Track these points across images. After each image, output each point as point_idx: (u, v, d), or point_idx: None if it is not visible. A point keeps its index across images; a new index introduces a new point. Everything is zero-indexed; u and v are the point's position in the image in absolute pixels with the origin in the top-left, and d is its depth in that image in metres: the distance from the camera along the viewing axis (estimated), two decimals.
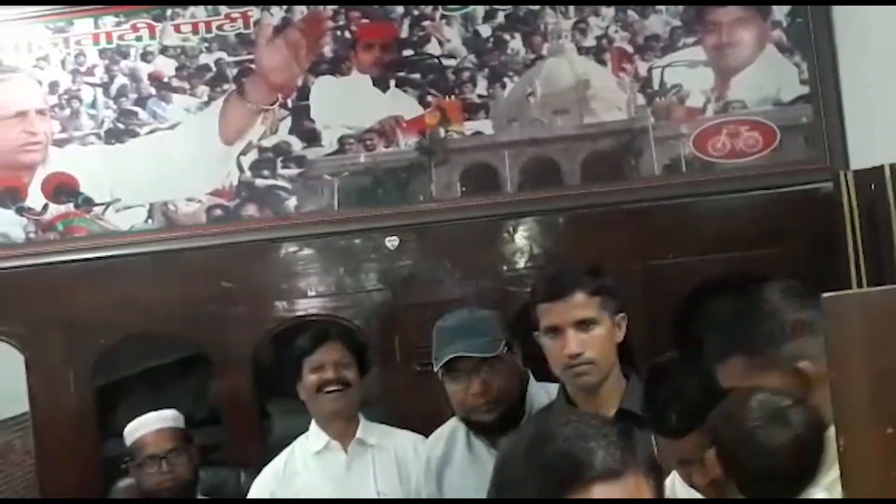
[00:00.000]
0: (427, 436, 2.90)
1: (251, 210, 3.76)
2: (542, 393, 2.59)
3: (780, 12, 3.58)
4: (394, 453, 2.96)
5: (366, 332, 3.71)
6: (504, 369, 2.56)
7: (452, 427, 2.72)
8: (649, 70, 3.63)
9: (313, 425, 2.99)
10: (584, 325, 2.24)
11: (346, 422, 2.96)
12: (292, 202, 3.76)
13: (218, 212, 3.77)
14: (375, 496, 2.88)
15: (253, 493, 2.98)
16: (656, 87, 3.62)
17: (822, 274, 2.98)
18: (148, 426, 3.14)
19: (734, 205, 3.57)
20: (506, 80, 3.69)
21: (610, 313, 2.29)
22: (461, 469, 2.65)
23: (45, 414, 3.76)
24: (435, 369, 2.62)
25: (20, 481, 4.18)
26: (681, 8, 3.61)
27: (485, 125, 3.69)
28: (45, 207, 3.78)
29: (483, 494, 2.42)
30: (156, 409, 3.25)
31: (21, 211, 3.78)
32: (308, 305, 3.75)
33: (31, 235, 3.78)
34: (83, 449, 3.73)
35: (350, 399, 2.94)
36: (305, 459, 2.96)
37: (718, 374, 1.82)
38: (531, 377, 2.65)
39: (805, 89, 3.56)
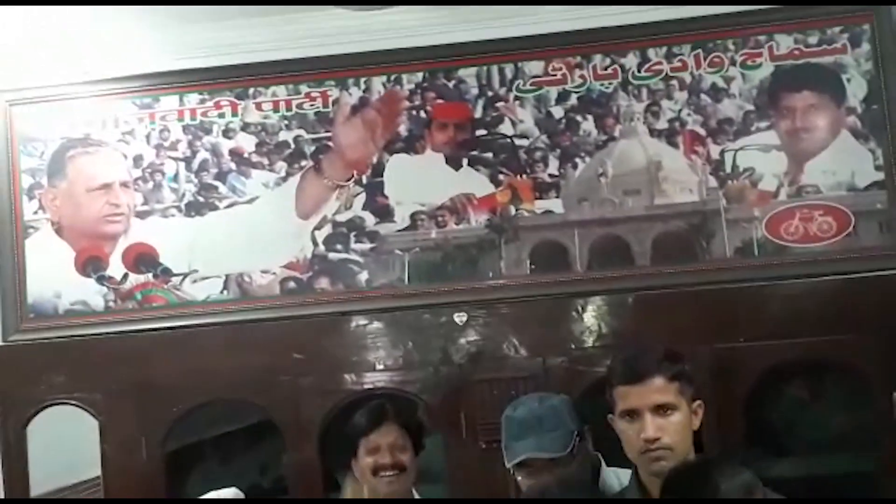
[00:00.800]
0: None
1: (323, 283, 3.83)
2: (613, 478, 2.57)
3: (854, 98, 3.59)
4: None
5: (432, 407, 3.74)
6: (576, 462, 2.55)
7: None
8: (721, 153, 3.65)
9: None
10: (662, 409, 2.21)
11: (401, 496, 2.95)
12: (364, 276, 3.82)
13: (291, 284, 3.84)
14: None
15: None
16: (728, 169, 3.63)
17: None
18: None
19: (806, 289, 3.54)
20: (577, 160, 3.73)
21: (687, 400, 2.26)
22: None
23: (116, 478, 3.82)
24: (507, 465, 2.61)
25: None
26: (754, 92, 3.63)
27: (555, 204, 3.73)
28: (125, 277, 3.89)
29: None
30: (224, 478, 3.30)
31: (102, 280, 3.89)
32: (376, 379, 3.78)
33: (111, 304, 3.88)
34: None
35: (405, 483, 2.93)
36: None
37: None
38: (602, 462, 2.64)
39: (880, 175, 3.55)
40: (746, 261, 3.59)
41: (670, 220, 3.65)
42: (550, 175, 3.74)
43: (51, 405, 3.84)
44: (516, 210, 3.75)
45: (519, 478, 2.61)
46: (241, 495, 3.21)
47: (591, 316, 3.66)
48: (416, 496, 2.98)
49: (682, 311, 3.56)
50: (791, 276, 3.55)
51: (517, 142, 3.76)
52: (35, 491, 3.85)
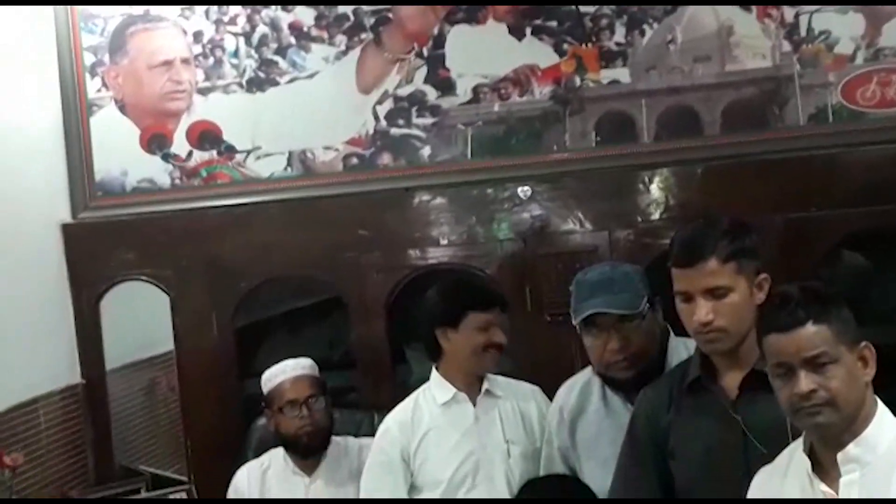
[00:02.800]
0: (557, 386, 2.88)
1: (386, 159, 3.81)
2: (681, 348, 2.53)
3: None
4: (516, 404, 2.95)
5: (496, 282, 3.73)
6: (644, 326, 2.51)
7: (587, 378, 2.69)
8: (796, 16, 3.49)
9: (437, 376, 2.97)
10: (715, 293, 2.14)
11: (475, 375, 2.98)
12: (426, 151, 3.78)
13: (354, 160, 3.83)
14: (505, 445, 2.89)
15: (377, 444, 3.01)
16: (803, 33, 3.49)
17: None
18: (287, 373, 3.21)
19: (883, 156, 3.42)
20: (645, 27, 3.61)
21: (748, 276, 2.17)
22: (596, 421, 2.63)
23: (189, 353, 3.92)
24: (574, 322, 2.58)
25: (164, 417, 4.39)
26: None
27: (622, 73, 3.63)
28: (190, 154, 3.91)
29: (617, 447, 2.45)
30: (293, 352, 3.31)
31: (167, 157, 3.92)
32: (440, 254, 3.79)
33: (177, 181, 3.92)
34: (225, 386, 3.88)
35: (498, 361, 2.95)
36: (431, 411, 2.95)
37: None
38: (671, 332, 2.61)
39: None
40: (820, 128, 3.47)
41: (742, 88, 3.53)
42: (617, 43, 3.63)
43: (122, 281, 3.93)
44: (581, 80, 3.66)
45: (586, 339, 2.58)
46: (315, 366, 3.26)
47: (658, 188, 3.59)
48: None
49: (753, 182, 3.47)
50: (867, 142, 3.43)
51: (582, 9, 3.64)
52: (110, 366, 3.97)
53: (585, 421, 2.66)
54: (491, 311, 2.89)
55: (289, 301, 4.23)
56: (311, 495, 3.17)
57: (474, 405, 2.92)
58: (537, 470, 2.86)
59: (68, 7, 3.91)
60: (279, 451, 3.23)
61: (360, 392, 3.84)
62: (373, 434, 3.20)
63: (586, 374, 2.71)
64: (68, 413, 3.72)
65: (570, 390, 2.73)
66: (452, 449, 2.89)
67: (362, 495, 3.00)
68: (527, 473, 2.85)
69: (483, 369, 2.92)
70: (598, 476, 2.55)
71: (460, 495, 2.86)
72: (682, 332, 2.55)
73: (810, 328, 1.84)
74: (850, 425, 1.85)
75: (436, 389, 2.97)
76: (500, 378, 3.02)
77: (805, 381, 1.83)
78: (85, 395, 3.83)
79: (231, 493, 3.23)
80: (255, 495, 3.19)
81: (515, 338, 3.69)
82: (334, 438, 3.24)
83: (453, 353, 2.92)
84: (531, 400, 2.96)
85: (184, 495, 3.73)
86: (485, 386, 2.93)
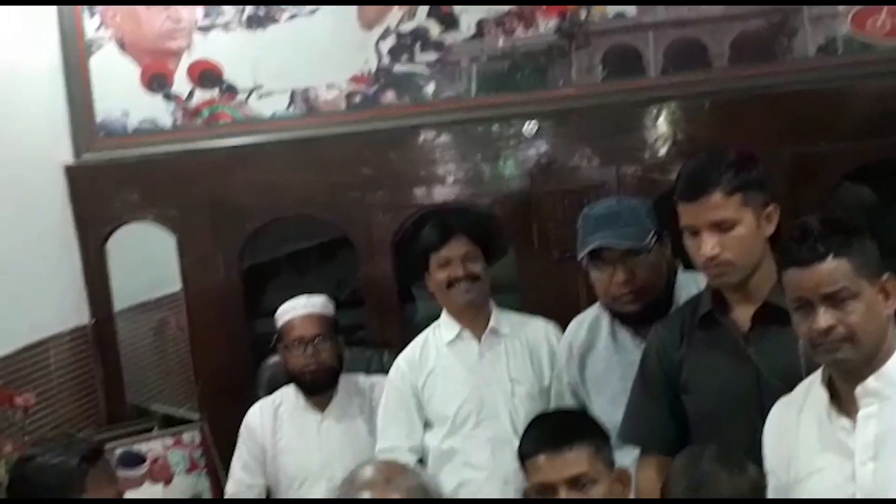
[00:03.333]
0: (564, 323, 2.90)
1: (389, 97, 3.77)
2: (690, 282, 2.54)
3: None
4: (525, 341, 2.96)
5: (503, 220, 3.73)
6: (651, 260, 2.51)
7: (596, 314, 2.70)
8: None
9: (444, 315, 3.02)
10: (720, 226, 2.14)
11: (477, 311, 2.97)
12: (430, 88, 3.74)
13: (357, 98, 3.79)
14: (509, 382, 2.91)
15: (389, 380, 3.05)
16: None
17: None
18: (297, 310, 3.22)
19: (893, 87, 3.37)
20: None
21: (755, 208, 2.16)
22: (605, 357, 2.65)
23: (196, 293, 3.93)
24: (579, 256, 2.58)
25: (174, 356, 4.41)
26: None
27: (628, 6, 3.57)
28: (191, 94, 3.87)
29: (626, 383, 2.47)
30: (301, 292, 3.32)
31: (168, 97, 3.88)
32: (446, 192, 3.77)
33: (179, 122, 3.89)
34: (234, 326, 3.89)
35: (479, 291, 2.94)
36: (438, 349, 2.99)
37: None
38: (680, 266, 2.61)
39: None
40: (830, 59, 3.42)
41: (749, 20, 3.47)
42: None
43: (127, 222, 3.92)
44: (587, 14, 3.60)
45: (592, 273, 2.58)
46: (330, 305, 3.26)
47: (665, 122, 3.56)
48: (494, 308, 3.00)
49: (761, 115, 3.44)
50: (877, 73, 3.38)
51: None
52: (119, 306, 3.98)
53: (594, 357, 2.67)
54: (446, 247, 2.90)
55: (296, 242, 4.24)
56: (323, 431, 3.21)
57: (479, 342, 2.94)
58: (543, 408, 2.87)
59: None
60: (291, 389, 3.26)
61: (369, 330, 3.85)
62: (382, 371, 3.23)
63: (595, 310, 2.72)
64: (78, 354, 3.74)
65: (579, 326, 2.74)
66: (457, 386, 2.93)
67: (379, 430, 3.03)
68: (532, 413, 2.84)
69: (456, 304, 2.94)
70: (608, 411, 2.57)
71: (465, 432, 2.90)
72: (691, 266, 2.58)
73: (830, 263, 1.80)
74: (871, 359, 1.83)
75: (443, 328, 3.01)
76: (512, 315, 3.03)
77: (824, 317, 1.80)
78: (94, 336, 3.84)
79: (243, 431, 3.26)
80: (268, 432, 3.23)
81: (523, 276, 3.74)
82: (346, 376, 3.27)
83: (437, 295, 2.96)
84: (542, 337, 2.97)
85: (196, 433, 3.76)
86: (490, 323, 2.95)
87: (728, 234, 2.14)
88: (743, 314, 2.20)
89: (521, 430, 2.83)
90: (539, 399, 2.89)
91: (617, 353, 2.63)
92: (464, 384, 2.93)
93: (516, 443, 2.80)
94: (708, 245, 2.14)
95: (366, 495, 1.88)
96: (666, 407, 2.32)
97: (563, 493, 1.93)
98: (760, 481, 1.81)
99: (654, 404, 2.34)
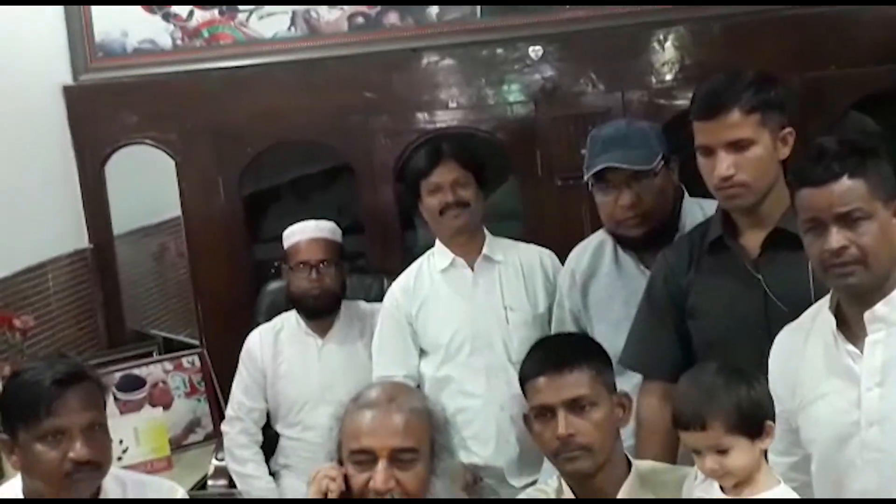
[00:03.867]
0: (567, 251, 2.87)
1: (392, 18, 3.70)
2: (696, 209, 2.50)
3: None
4: (519, 267, 2.93)
5: (506, 146, 3.68)
6: (657, 184, 2.47)
7: (600, 240, 2.66)
8: None
9: (438, 243, 2.98)
10: (737, 145, 2.09)
11: (470, 238, 2.93)
12: (434, 10, 3.66)
13: (360, 20, 3.72)
14: (503, 310, 2.88)
15: (384, 308, 3.03)
16: None
17: None
18: (305, 233, 3.19)
19: None
20: None
21: (771, 129, 2.11)
22: (608, 283, 2.61)
23: (196, 218, 3.89)
24: (585, 178, 2.54)
25: (173, 281, 4.41)
26: None
27: None
28: (191, 14, 3.79)
29: (629, 309, 2.45)
30: (302, 218, 3.28)
31: (167, 17, 3.81)
32: (449, 117, 3.71)
33: (178, 42, 3.82)
34: (233, 252, 3.87)
35: (470, 217, 2.88)
36: (432, 276, 2.96)
37: None
38: (685, 193, 2.57)
39: None
40: None
41: None
42: None
43: (126, 145, 3.87)
44: None
45: (597, 196, 2.54)
46: (337, 231, 3.24)
47: (672, 47, 3.49)
48: (488, 235, 2.96)
49: (771, 39, 3.38)
50: None
51: None
52: (118, 230, 3.95)
53: (597, 283, 2.64)
54: (435, 173, 2.85)
55: (297, 168, 4.20)
56: (323, 356, 3.20)
57: (473, 270, 2.92)
58: (538, 336, 2.82)
59: None
60: (291, 314, 3.25)
61: (369, 257, 3.83)
62: (382, 298, 3.21)
63: (599, 236, 2.68)
64: (77, 277, 3.72)
65: (582, 252, 2.70)
66: (450, 314, 2.91)
67: (374, 357, 3.02)
68: (526, 340, 2.82)
69: (447, 231, 2.90)
70: (610, 338, 2.52)
71: (459, 360, 2.89)
72: (697, 193, 2.54)
73: (845, 182, 1.76)
74: (881, 284, 1.80)
75: (437, 255, 2.98)
76: (506, 241, 3.00)
77: (836, 237, 1.76)
78: (93, 260, 3.82)
79: (244, 355, 3.26)
80: (268, 357, 3.22)
81: (525, 202, 3.70)
82: (347, 302, 3.26)
83: (429, 222, 2.92)
84: (537, 263, 2.94)
85: (195, 358, 3.77)
86: (483, 251, 2.92)
87: (744, 154, 2.10)
88: (753, 240, 2.17)
89: (515, 357, 2.84)
90: (533, 326, 2.87)
91: (620, 279, 2.59)
92: (457, 312, 2.91)
93: (511, 370, 2.83)
94: (723, 165, 2.10)
95: (369, 415, 1.87)
96: (671, 333, 2.29)
97: (563, 415, 1.90)
98: (767, 398, 1.79)
99: (658, 330, 2.32)
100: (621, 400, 2.00)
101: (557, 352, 2.00)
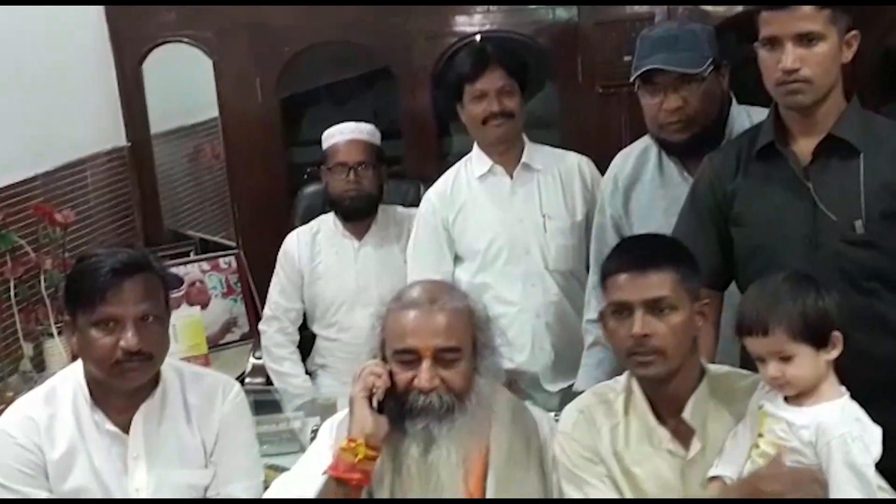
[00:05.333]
0: (605, 160, 2.83)
1: None
2: (744, 117, 2.45)
3: None
4: (558, 175, 2.89)
5: (547, 51, 3.62)
6: (705, 88, 2.41)
7: (644, 146, 2.62)
8: None
9: (476, 149, 2.94)
10: (805, 39, 2.03)
11: (511, 146, 2.89)
12: None
13: None
14: (541, 218, 2.86)
15: (420, 213, 3.01)
16: None
17: None
18: (344, 134, 3.17)
19: None
20: None
21: (840, 29, 2.06)
22: (650, 189, 2.57)
23: (233, 119, 3.88)
24: (632, 79, 2.48)
25: (209, 184, 4.41)
26: None
27: None
28: None
29: (670, 217, 2.41)
30: (338, 122, 3.24)
31: None
32: (489, 21, 3.65)
33: None
34: (270, 154, 3.86)
35: (513, 127, 2.84)
36: (469, 183, 2.93)
37: None
38: (734, 100, 2.52)
39: None
40: None
41: None
42: None
43: (164, 43, 3.84)
44: None
45: (643, 98, 2.48)
46: (377, 133, 3.22)
47: None
48: (527, 142, 2.93)
49: None
50: None
51: None
52: (155, 129, 3.95)
53: (640, 190, 2.61)
54: (482, 80, 2.78)
55: (334, 72, 4.15)
56: (360, 258, 3.21)
57: (511, 178, 2.89)
58: (575, 244, 2.86)
59: None
60: (329, 216, 3.25)
61: (406, 162, 3.81)
62: (418, 204, 3.20)
63: (643, 142, 2.64)
64: (115, 175, 3.73)
65: (625, 158, 2.67)
66: (487, 221, 2.89)
67: (409, 261, 3.02)
68: (563, 248, 2.85)
69: (489, 141, 2.87)
70: None
71: (497, 267, 2.87)
72: (749, 100, 2.50)
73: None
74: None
75: (474, 162, 2.95)
76: (545, 148, 2.96)
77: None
78: (131, 158, 3.82)
79: (281, 256, 3.27)
80: (305, 258, 3.23)
81: (564, 110, 3.66)
82: (383, 206, 3.25)
83: (469, 129, 2.88)
84: (575, 172, 2.91)
85: (232, 260, 3.79)
86: (523, 158, 2.89)
87: (811, 49, 2.04)
88: (805, 146, 2.13)
89: (552, 265, 2.85)
90: (571, 234, 2.86)
91: (663, 186, 2.56)
92: (495, 220, 2.89)
93: (548, 277, 2.86)
94: (789, 58, 2.04)
95: (412, 315, 1.87)
96: (714, 238, 2.26)
97: (640, 315, 1.84)
98: (835, 308, 1.76)
99: (700, 235, 2.28)
100: (703, 308, 1.96)
101: (643, 251, 1.94)
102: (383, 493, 1.84)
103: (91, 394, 2.03)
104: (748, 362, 1.95)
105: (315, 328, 3.30)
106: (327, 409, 2.84)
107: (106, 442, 2.02)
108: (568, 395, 2.68)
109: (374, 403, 1.82)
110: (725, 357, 2.25)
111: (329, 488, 1.79)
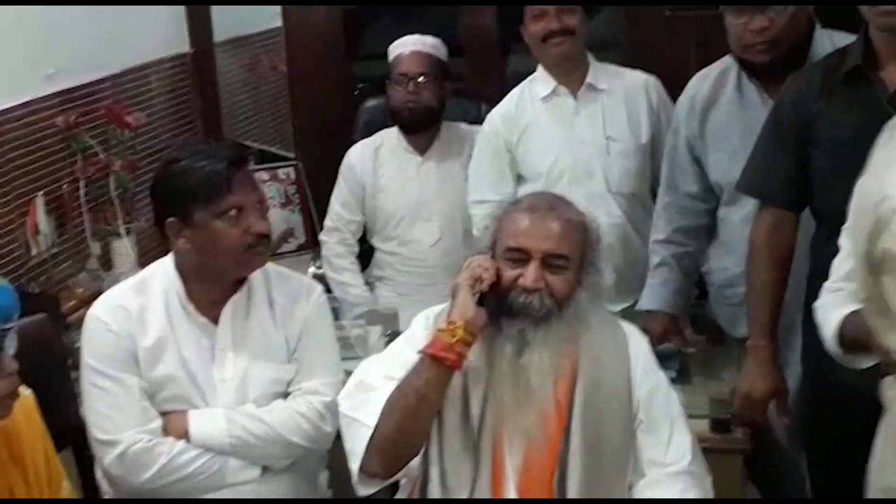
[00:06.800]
0: (672, 84, 2.82)
1: None
2: (826, 41, 2.42)
3: None
4: (623, 96, 2.87)
5: None
6: (791, 10, 2.39)
7: (723, 67, 2.59)
8: None
9: (540, 69, 2.93)
10: None
11: (574, 66, 2.87)
12: None
13: None
14: (604, 140, 2.86)
15: (482, 133, 3.01)
16: None
17: None
18: (407, 46, 3.17)
19: None
20: None
21: None
22: (728, 111, 2.56)
23: (296, 30, 3.87)
24: None
25: (266, 95, 4.40)
26: None
27: None
28: None
29: (747, 140, 2.41)
30: (400, 36, 3.24)
31: None
32: None
33: None
34: (332, 66, 3.87)
35: (574, 45, 2.82)
36: (533, 104, 2.92)
37: None
38: (818, 24, 2.49)
39: None
40: None
41: None
42: None
43: None
44: None
45: (727, 18, 2.44)
46: (441, 47, 3.20)
47: None
48: (592, 62, 2.91)
49: None
50: None
51: None
52: (218, 37, 3.94)
53: (717, 111, 2.59)
54: None
55: None
56: (423, 173, 3.23)
57: (575, 99, 2.88)
58: (639, 166, 2.86)
59: None
60: (393, 131, 3.26)
61: (467, 81, 3.80)
62: (479, 123, 3.20)
63: (722, 63, 2.62)
64: (178, 82, 3.73)
65: (703, 79, 2.64)
66: (550, 143, 2.89)
67: (470, 178, 3.03)
68: (627, 170, 2.85)
69: (550, 58, 2.85)
70: (725, 168, 2.53)
71: (559, 189, 2.82)
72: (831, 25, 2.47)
73: None
74: None
75: (538, 83, 2.93)
76: (610, 68, 2.94)
77: None
78: (193, 65, 3.81)
79: (344, 169, 3.29)
80: (368, 172, 3.25)
81: (630, 31, 3.62)
82: (447, 122, 3.25)
83: (531, 48, 2.87)
84: (642, 92, 2.89)
85: (291, 171, 3.80)
86: (587, 79, 2.87)
87: None
88: (893, 73, 2.11)
89: (615, 187, 2.85)
90: (635, 156, 2.86)
91: (741, 108, 2.54)
92: (558, 141, 2.88)
93: (610, 200, 2.86)
94: None
95: (529, 218, 1.91)
96: (792, 159, 2.25)
97: None
98: None
99: (779, 155, 2.27)
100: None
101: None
102: (478, 389, 1.88)
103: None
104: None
105: (375, 241, 3.33)
106: (389, 319, 2.91)
107: (195, 332, 2.08)
108: (629, 314, 2.72)
109: (477, 295, 1.85)
110: (797, 275, 2.29)
111: (423, 365, 1.83)
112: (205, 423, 2.05)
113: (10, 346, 1.64)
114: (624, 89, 2.89)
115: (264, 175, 3.77)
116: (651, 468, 1.90)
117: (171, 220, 2.04)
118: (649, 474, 1.90)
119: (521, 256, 1.89)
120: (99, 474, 2.11)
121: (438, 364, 1.82)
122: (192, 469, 2.03)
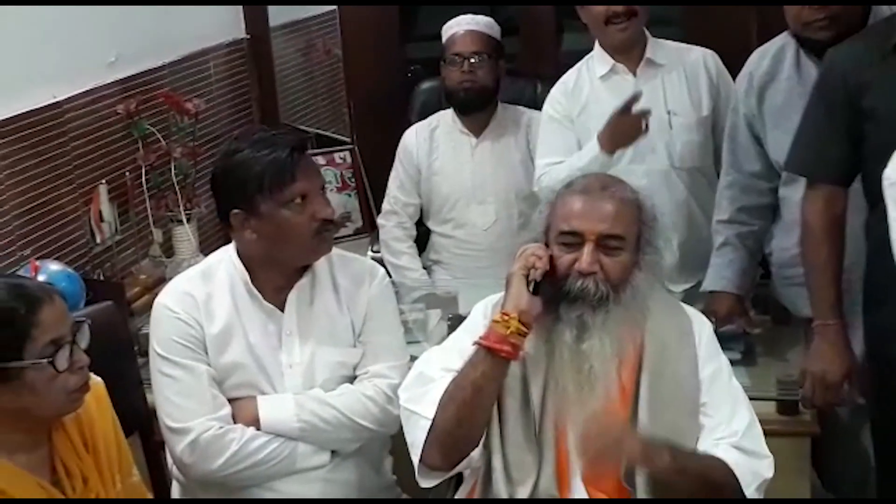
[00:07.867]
0: (731, 62, 2.78)
1: None
2: (885, 11, 2.36)
3: None
4: (683, 71, 2.84)
5: None
6: None
7: (782, 44, 2.55)
8: None
9: (597, 48, 2.90)
10: None
11: (634, 44, 2.85)
12: None
13: None
14: (666, 116, 2.83)
15: (545, 110, 2.98)
16: None
17: None
18: (461, 25, 3.17)
19: None
20: None
21: None
22: (786, 88, 2.51)
23: (352, 15, 3.88)
24: None
25: (320, 79, 4.43)
26: None
27: None
28: None
29: None
30: (452, 14, 3.23)
31: None
32: None
33: None
34: (386, 49, 3.87)
35: (636, 28, 2.80)
36: (592, 82, 2.90)
37: None
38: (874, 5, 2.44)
39: None
40: None
41: None
42: None
43: None
44: None
45: None
46: (495, 27, 3.19)
47: None
48: (650, 38, 2.87)
49: None
50: None
51: None
52: (273, 22, 3.94)
53: (775, 88, 2.56)
54: None
55: None
56: (477, 154, 3.23)
57: (635, 76, 2.86)
58: (702, 140, 2.83)
59: None
60: (448, 112, 3.26)
61: (522, 60, 3.78)
62: (534, 102, 3.19)
63: (780, 40, 2.58)
64: (235, 67, 3.75)
65: (762, 56, 2.61)
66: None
67: (538, 150, 2.96)
68: (689, 144, 2.83)
69: (613, 44, 2.83)
70: (783, 146, 2.48)
71: (621, 165, 2.77)
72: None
73: None
74: None
75: (596, 62, 2.91)
76: (668, 44, 2.91)
77: None
78: (250, 51, 3.83)
79: (400, 151, 3.30)
80: (423, 153, 3.26)
81: (688, 9, 3.57)
82: (503, 104, 3.25)
83: (591, 29, 2.84)
84: (701, 66, 2.86)
85: (347, 155, 3.82)
86: (646, 55, 2.84)
87: None
88: None
89: (678, 162, 2.83)
90: (697, 130, 2.83)
91: (800, 85, 2.50)
92: None
93: (673, 175, 2.83)
94: None
95: (581, 200, 1.88)
96: (841, 134, 2.19)
97: None
98: None
99: (828, 130, 2.22)
100: None
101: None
102: (538, 377, 1.87)
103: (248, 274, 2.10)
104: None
105: (430, 224, 3.34)
106: (448, 303, 2.90)
107: (262, 318, 2.11)
108: (692, 295, 2.70)
109: (531, 284, 1.84)
110: (852, 253, 2.25)
111: (478, 357, 1.82)
112: (274, 408, 2.07)
113: (83, 339, 1.68)
114: (683, 63, 2.86)
115: (321, 160, 3.78)
116: (703, 442, 1.87)
117: (236, 211, 2.05)
118: (701, 445, 1.87)
119: (575, 240, 1.86)
120: (170, 462, 2.13)
121: (493, 356, 1.80)
122: (262, 455, 2.05)
